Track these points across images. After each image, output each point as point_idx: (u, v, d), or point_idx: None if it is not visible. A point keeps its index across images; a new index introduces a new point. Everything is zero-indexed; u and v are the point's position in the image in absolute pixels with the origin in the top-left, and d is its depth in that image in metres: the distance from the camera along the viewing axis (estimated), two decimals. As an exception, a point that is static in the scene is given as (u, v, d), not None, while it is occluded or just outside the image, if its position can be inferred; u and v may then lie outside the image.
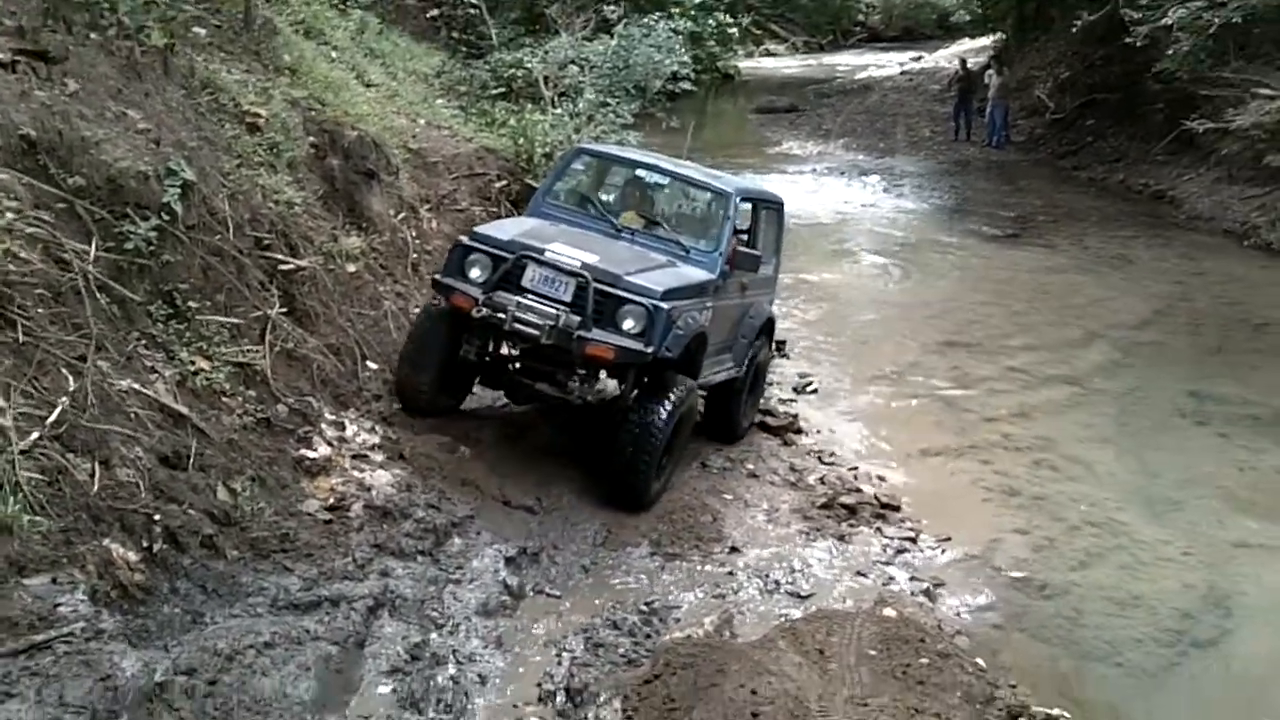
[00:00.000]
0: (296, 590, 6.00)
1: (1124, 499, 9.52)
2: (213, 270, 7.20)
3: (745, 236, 9.66)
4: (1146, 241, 19.32)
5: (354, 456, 7.45)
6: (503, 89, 15.90)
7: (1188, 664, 7.37)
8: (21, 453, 5.06)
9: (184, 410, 6.28)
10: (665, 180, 9.64)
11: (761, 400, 10.40)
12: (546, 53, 16.09)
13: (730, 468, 9.25)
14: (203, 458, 6.20)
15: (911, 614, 7.08)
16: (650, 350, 7.72)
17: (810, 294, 14.95)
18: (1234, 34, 19.13)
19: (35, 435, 5.19)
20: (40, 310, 5.65)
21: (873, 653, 6.25)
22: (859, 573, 7.93)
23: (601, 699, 5.97)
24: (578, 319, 7.69)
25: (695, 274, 8.52)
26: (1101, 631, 7.59)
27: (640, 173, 9.65)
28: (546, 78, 15.54)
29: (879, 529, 8.58)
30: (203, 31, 8.81)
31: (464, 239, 8.37)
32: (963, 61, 30.80)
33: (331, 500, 6.89)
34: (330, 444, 7.40)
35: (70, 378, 5.59)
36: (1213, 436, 11.11)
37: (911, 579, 7.94)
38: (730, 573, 7.65)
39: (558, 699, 6.00)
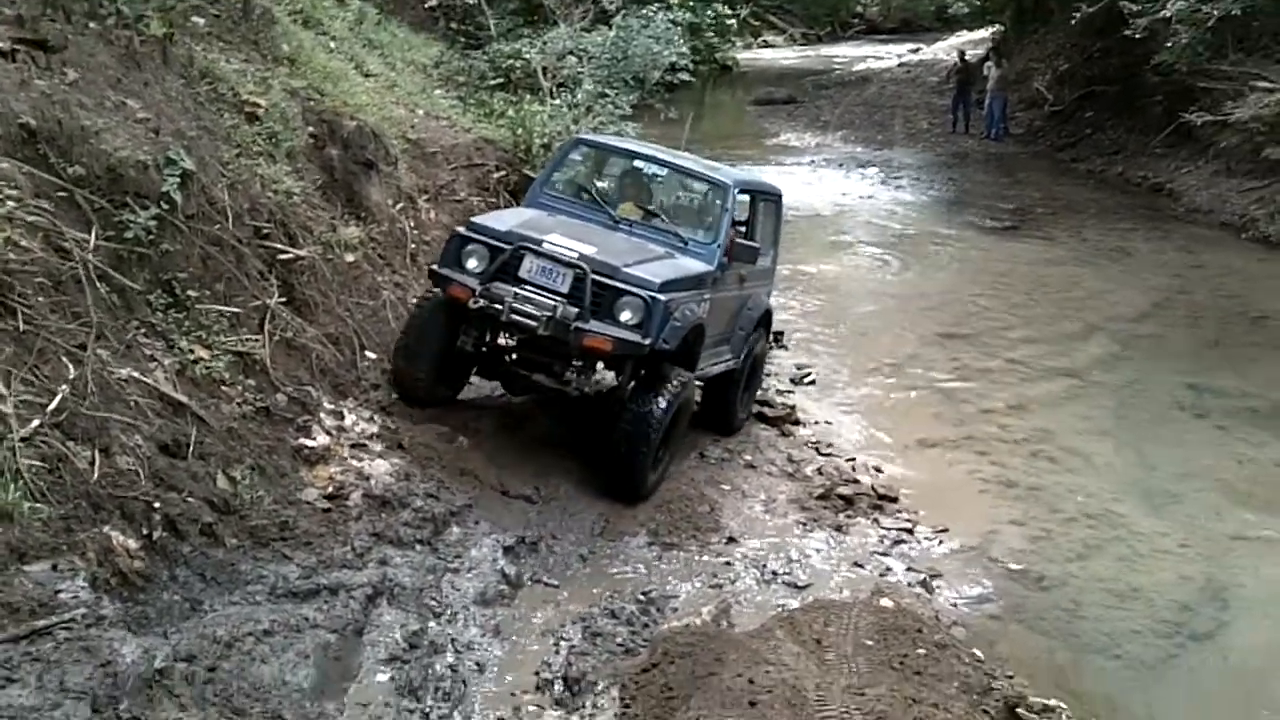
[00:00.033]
0: (295, 578, 6.01)
1: (1122, 491, 9.55)
2: (212, 259, 7.21)
3: (743, 228, 9.66)
4: (1145, 234, 19.33)
5: (353, 445, 7.45)
6: (501, 80, 15.87)
7: (1185, 656, 7.39)
8: (22, 440, 5.08)
9: (183, 399, 6.29)
10: (664, 171, 9.59)
11: (759, 391, 10.41)
12: (545, 43, 16.07)
13: (728, 458, 9.27)
14: (202, 446, 6.21)
15: (908, 605, 7.11)
16: (648, 342, 7.71)
17: (808, 285, 14.96)
18: (1233, 27, 19.16)
19: (36, 423, 5.20)
20: (41, 299, 5.66)
21: (870, 643, 6.27)
22: (856, 563, 7.95)
23: (599, 687, 6.00)
24: (575, 310, 7.68)
25: (693, 266, 8.51)
26: (1099, 623, 7.62)
27: (638, 164, 9.62)
28: (545, 68, 15.53)
29: (876, 520, 8.60)
30: (201, 21, 8.79)
31: (461, 229, 8.36)
32: (961, 54, 30.77)
33: (330, 489, 6.91)
34: (329, 433, 7.41)
35: (70, 366, 5.60)
36: (1211, 429, 11.13)
37: (908, 570, 7.96)
38: (728, 563, 7.67)
39: (555, 687, 6.02)
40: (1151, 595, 7.96)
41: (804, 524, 8.40)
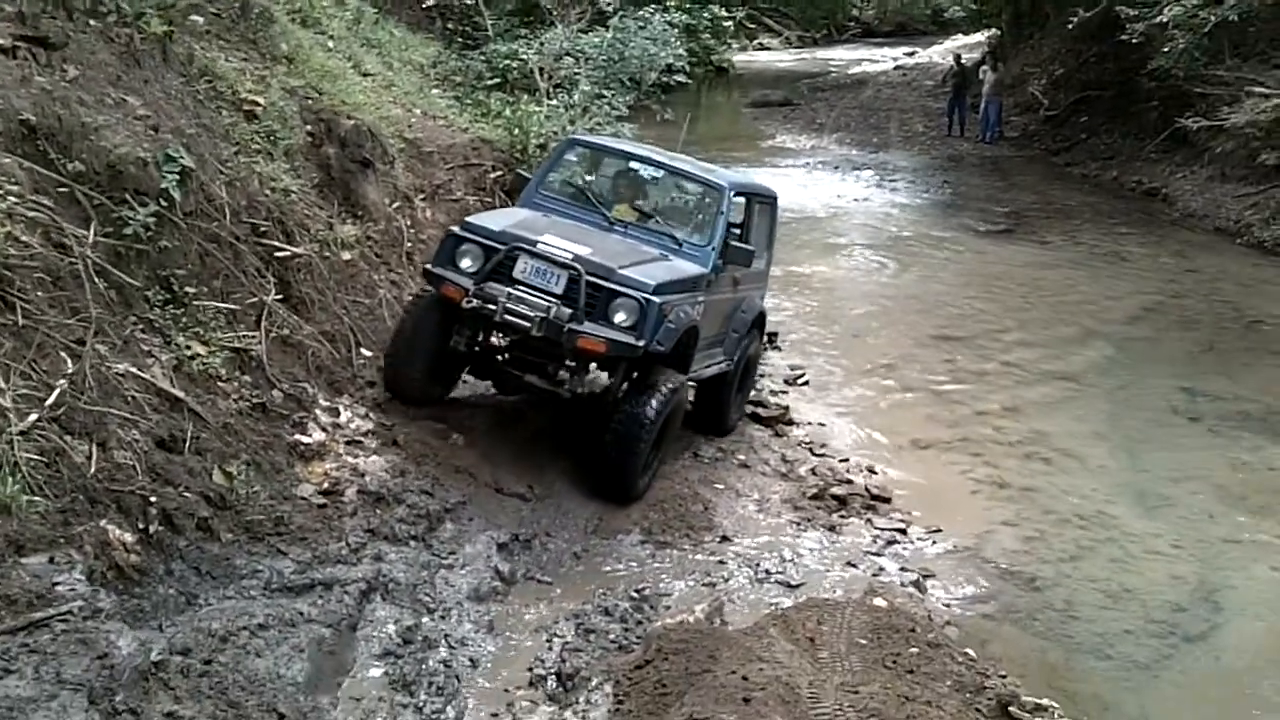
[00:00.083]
0: (290, 573, 6.05)
1: (1115, 493, 9.58)
2: (210, 256, 7.24)
3: (738, 230, 9.66)
4: (1139, 238, 19.37)
5: (348, 442, 7.48)
6: (498, 80, 15.87)
7: (1177, 656, 7.40)
8: (20, 434, 5.11)
9: (180, 394, 6.32)
10: (659, 173, 9.56)
11: (752, 392, 10.43)
12: (542, 44, 16.08)
13: (722, 458, 9.29)
14: (199, 441, 6.24)
15: (901, 604, 7.11)
16: (642, 344, 7.70)
17: (803, 287, 14.99)
18: (1229, 32, 19.20)
19: (34, 417, 5.24)
20: (40, 294, 5.69)
21: (863, 641, 6.29)
22: (849, 563, 7.97)
23: (593, 683, 6.02)
24: (569, 311, 7.65)
25: (688, 268, 8.51)
26: (1091, 623, 7.63)
27: (634, 165, 9.60)
28: (542, 69, 15.55)
29: (869, 520, 8.62)
30: (200, 19, 8.80)
31: (455, 229, 8.32)
32: (957, 57, 30.81)
33: (325, 485, 6.94)
34: (324, 429, 7.44)
35: (69, 361, 5.63)
36: (1204, 433, 11.16)
37: (901, 570, 7.97)
38: (721, 561, 7.69)
39: (549, 683, 6.04)
40: (1144, 596, 7.98)
41: (797, 524, 8.43)
